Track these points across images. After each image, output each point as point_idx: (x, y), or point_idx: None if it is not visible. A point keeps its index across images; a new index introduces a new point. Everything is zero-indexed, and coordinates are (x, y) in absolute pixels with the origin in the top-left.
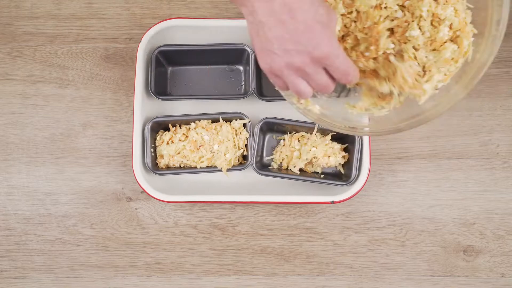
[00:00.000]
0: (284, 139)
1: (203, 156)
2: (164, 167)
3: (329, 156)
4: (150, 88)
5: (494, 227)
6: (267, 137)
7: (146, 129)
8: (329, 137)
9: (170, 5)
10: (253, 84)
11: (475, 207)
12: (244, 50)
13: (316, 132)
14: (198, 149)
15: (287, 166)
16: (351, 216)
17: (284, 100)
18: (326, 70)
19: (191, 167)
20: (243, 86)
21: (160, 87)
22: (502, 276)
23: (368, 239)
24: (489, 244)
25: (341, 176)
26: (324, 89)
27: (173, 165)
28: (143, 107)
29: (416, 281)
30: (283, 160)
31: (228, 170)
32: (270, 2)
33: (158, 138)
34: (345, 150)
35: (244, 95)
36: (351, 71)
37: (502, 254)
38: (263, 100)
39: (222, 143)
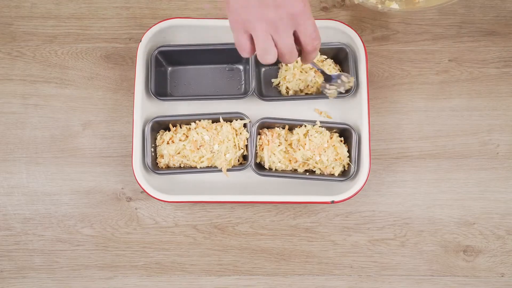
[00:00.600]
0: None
1: (203, 156)
2: (164, 166)
3: (333, 167)
4: (150, 88)
5: (494, 227)
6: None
7: (146, 128)
8: (334, 138)
9: (170, 5)
10: (253, 84)
11: (475, 207)
12: None
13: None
14: (198, 149)
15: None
16: (351, 216)
17: (283, 100)
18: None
19: (191, 167)
20: (243, 85)
21: (160, 87)
22: (502, 276)
23: (368, 239)
24: (489, 244)
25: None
26: (288, 54)
27: (173, 165)
28: (143, 107)
29: (416, 281)
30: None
31: (228, 170)
32: None
33: (158, 138)
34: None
35: (244, 95)
36: (319, 37)
37: (502, 254)
38: (263, 100)
39: (222, 143)
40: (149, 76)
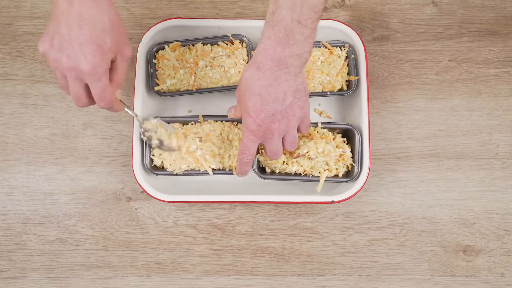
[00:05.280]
0: None
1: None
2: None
3: (337, 169)
4: (152, 86)
5: (494, 227)
6: None
7: None
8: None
9: (170, 5)
10: None
11: (475, 207)
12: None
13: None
14: None
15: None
16: (351, 216)
17: None
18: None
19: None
20: None
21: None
22: (502, 276)
23: (368, 239)
24: (489, 244)
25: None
26: (76, 101)
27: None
28: (144, 106)
29: (416, 281)
30: (283, 163)
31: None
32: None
33: None
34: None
35: None
36: (106, 99)
37: (502, 254)
38: None
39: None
40: (150, 73)
